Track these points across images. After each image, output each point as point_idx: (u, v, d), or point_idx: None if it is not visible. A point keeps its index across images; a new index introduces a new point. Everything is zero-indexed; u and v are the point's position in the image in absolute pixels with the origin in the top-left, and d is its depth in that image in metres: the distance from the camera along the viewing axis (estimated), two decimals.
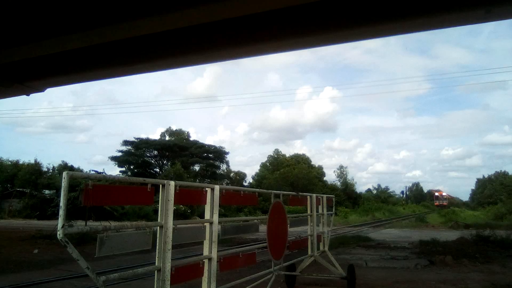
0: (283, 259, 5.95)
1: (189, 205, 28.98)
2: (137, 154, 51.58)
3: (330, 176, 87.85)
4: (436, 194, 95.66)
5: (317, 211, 7.56)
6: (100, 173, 20.48)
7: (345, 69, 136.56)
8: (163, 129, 63.48)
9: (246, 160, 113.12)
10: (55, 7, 8.68)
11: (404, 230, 24.65)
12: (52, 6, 8.64)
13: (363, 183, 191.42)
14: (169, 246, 3.40)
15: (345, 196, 56.69)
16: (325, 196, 8.14)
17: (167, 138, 59.84)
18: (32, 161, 42.53)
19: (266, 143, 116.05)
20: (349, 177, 69.45)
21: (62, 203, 2.62)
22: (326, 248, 7.84)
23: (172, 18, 8.73)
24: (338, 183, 66.30)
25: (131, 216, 30.50)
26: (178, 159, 49.45)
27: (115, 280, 3.01)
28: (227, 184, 49.18)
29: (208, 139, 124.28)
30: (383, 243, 15.81)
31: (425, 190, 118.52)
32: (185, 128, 73.30)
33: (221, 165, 57.26)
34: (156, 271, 3.36)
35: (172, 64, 13.32)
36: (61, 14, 8.98)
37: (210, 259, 4.09)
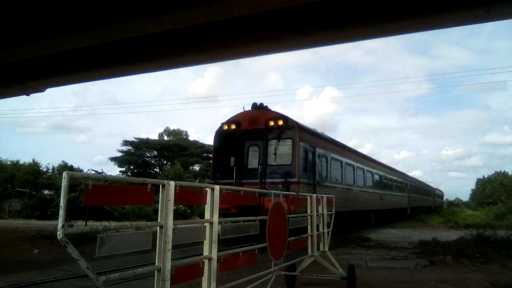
0: (283, 259, 5.95)
1: (189, 205, 28.97)
2: (137, 154, 51.59)
3: None
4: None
5: (317, 211, 7.56)
6: (100, 173, 20.47)
7: (346, 69, 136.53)
8: (162, 128, 63.55)
9: None
10: (55, 7, 8.69)
11: (404, 230, 24.64)
12: (53, 6, 8.65)
13: None
14: (169, 246, 3.40)
15: None
16: (325, 196, 8.14)
17: (165, 138, 59.82)
18: (31, 162, 42.61)
19: None
20: None
21: (62, 203, 2.62)
22: (326, 248, 7.84)
23: (172, 18, 8.74)
24: None
25: (131, 216, 30.50)
26: (178, 159, 49.45)
27: (115, 280, 3.01)
28: None
29: (209, 139, 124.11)
30: (383, 243, 15.80)
31: None
32: (185, 128, 73.27)
33: None
34: (156, 271, 3.36)
35: (172, 64, 13.35)
36: (62, 14, 8.99)
37: (210, 259, 4.09)
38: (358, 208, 20.10)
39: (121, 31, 9.44)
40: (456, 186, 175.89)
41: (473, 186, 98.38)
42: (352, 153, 20.74)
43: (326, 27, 9.63)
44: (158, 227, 3.42)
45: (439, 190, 60.95)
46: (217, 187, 4.30)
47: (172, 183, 3.52)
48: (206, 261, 4.07)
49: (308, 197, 7.28)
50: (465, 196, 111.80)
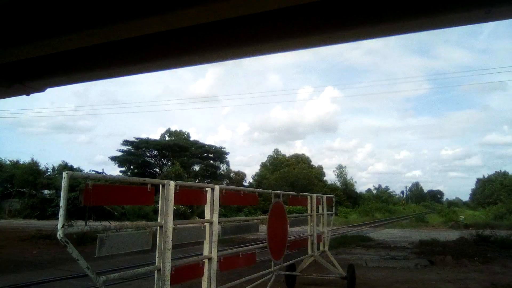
0: (283, 259, 5.95)
1: (189, 205, 28.97)
2: (137, 154, 51.58)
3: (330, 176, 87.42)
4: None
5: (317, 211, 7.55)
6: (100, 173, 20.47)
7: (346, 69, 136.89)
8: (164, 129, 63.50)
9: (246, 160, 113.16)
10: (55, 7, 8.68)
11: (404, 230, 24.64)
12: (53, 5, 8.64)
13: (363, 183, 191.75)
14: (169, 246, 3.40)
15: (345, 196, 56.68)
16: (325, 196, 8.14)
17: (167, 138, 59.81)
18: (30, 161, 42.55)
19: (266, 143, 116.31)
20: (348, 176, 69.04)
21: (62, 203, 2.62)
22: (326, 248, 7.83)
23: (172, 18, 8.73)
24: (338, 183, 66.31)
25: (131, 216, 30.48)
26: (178, 159, 49.42)
27: (115, 280, 3.01)
28: (227, 184, 49.17)
29: (209, 139, 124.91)
30: (383, 243, 15.81)
31: (425, 190, 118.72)
32: (186, 129, 73.42)
33: (221, 165, 57.27)
34: (156, 271, 3.36)
35: (173, 64, 13.31)
36: (61, 14, 8.98)
37: (210, 259, 4.09)
38: None
39: (121, 31, 9.42)
40: (456, 186, 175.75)
41: (473, 186, 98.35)
42: None
43: (326, 27, 9.62)
44: (158, 227, 3.42)
45: None
46: (217, 187, 4.30)
47: (172, 183, 3.52)
48: (206, 261, 4.07)
49: (308, 197, 7.28)
50: (465, 196, 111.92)
